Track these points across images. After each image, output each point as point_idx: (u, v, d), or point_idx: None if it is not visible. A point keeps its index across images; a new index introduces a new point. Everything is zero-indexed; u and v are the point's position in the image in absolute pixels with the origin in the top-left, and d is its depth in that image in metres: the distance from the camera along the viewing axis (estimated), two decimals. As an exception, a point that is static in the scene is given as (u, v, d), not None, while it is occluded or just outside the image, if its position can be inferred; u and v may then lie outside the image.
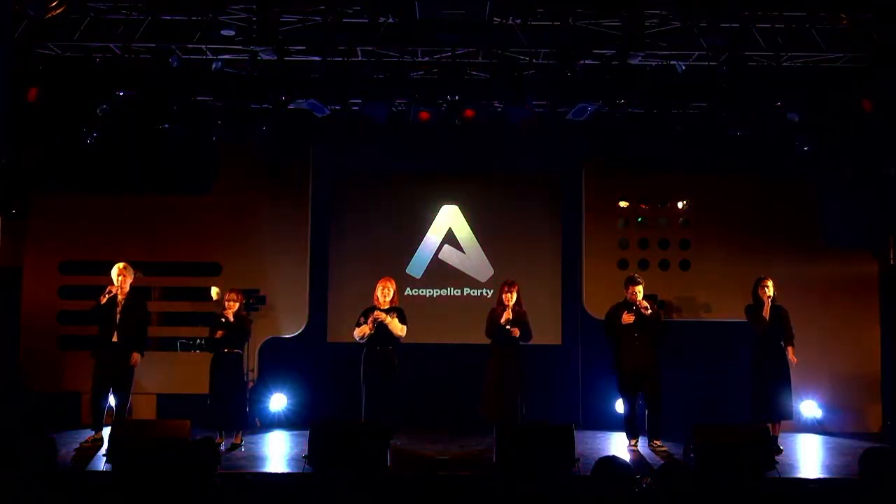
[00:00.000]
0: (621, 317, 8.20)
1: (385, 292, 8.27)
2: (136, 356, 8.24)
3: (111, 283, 8.20)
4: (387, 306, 8.26)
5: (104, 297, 8.09)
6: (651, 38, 7.65)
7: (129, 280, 8.29)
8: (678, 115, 9.02)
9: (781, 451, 7.85)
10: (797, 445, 8.61)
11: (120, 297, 8.19)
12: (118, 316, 8.16)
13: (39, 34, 7.74)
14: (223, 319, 8.14)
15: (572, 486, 6.56)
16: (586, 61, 8.02)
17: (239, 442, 8.13)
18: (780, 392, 8.07)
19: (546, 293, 9.91)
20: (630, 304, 8.23)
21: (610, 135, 9.55)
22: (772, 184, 9.75)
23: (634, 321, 8.13)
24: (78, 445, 8.02)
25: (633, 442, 8.23)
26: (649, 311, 8.11)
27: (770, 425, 7.88)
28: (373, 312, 8.19)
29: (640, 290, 8.21)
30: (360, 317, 8.31)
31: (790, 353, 8.08)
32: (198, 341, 9.58)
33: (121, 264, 8.28)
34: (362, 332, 8.19)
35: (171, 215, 9.77)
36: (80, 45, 7.92)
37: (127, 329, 8.17)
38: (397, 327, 8.18)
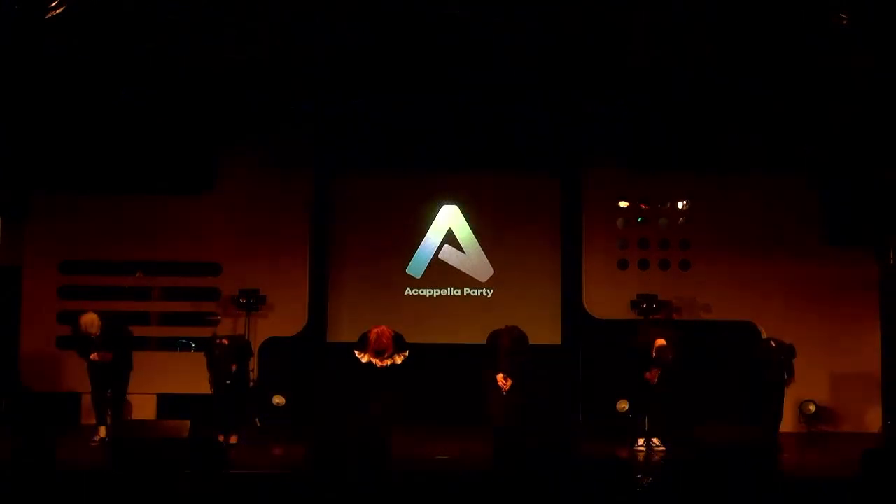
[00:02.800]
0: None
1: (382, 360, 8.14)
2: (108, 355, 8.16)
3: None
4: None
5: (92, 357, 8.12)
6: (653, 34, 7.63)
7: (98, 324, 8.15)
8: (678, 115, 9.03)
9: (783, 451, 7.86)
10: (797, 445, 8.61)
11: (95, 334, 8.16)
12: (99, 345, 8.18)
13: (39, 34, 7.73)
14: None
15: (572, 487, 6.55)
16: (587, 59, 8.02)
17: (235, 441, 8.13)
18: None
19: (546, 293, 9.90)
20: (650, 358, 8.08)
21: (611, 134, 9.56)
22: (772, 183, 9.74)
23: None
24: (88, 444, 8.08)
25: (641, 442, 8.20)
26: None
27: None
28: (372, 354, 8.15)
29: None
30: (359, 342, 8.27)
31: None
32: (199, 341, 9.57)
33: (83, 320, 8.15)
34: (366, 359, 8.19)
35: (171, 215, 9.77)
36: (81, 44, 7.91)
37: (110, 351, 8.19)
38: (400, 360, 8.20)
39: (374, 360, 8.18)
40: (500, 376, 8.04)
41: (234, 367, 8.04)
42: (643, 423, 8.23)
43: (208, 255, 9.75)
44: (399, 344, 8.26)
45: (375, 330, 8.18)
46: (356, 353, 8.28)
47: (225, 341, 8.19)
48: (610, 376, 9.34)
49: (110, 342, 8.18)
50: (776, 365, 8.05)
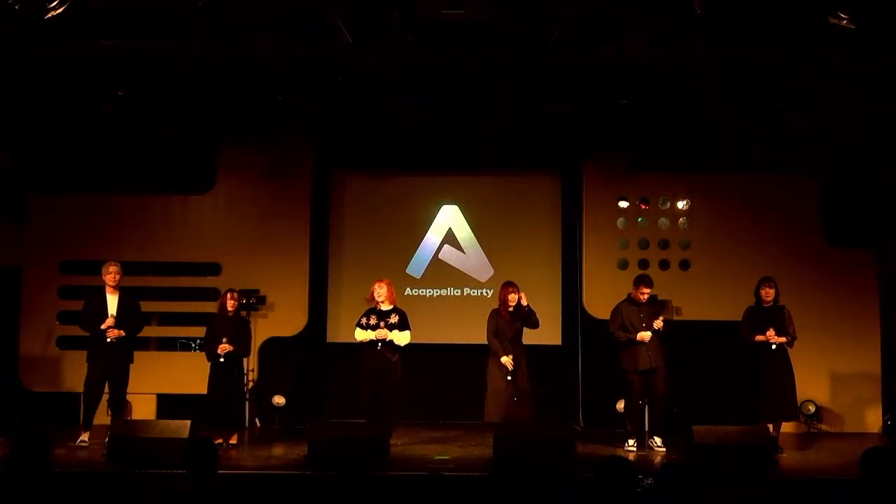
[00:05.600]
0: (630, 317, 8.13)
1: (381, 301, 8.24)
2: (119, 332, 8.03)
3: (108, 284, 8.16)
4: (388, 307, 8.26)
5: (104, 325, 8.00)
6: (652, 35, 7.62)
7: (121, 274, 8.19)
8: (679, 114, 9.03)
9: (783, 451, 7.86)
10: (797, 445, 8.60)
11: (111, 296, 8.12)
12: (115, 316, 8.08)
13: (39, 34, 7.73)
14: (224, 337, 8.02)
15: (572, 487, 6.55)
16: (587, 59, 8.01)
17: (235, 442, 8.13)
18: (786, 391, 8.04)
19: (546, 293, 9.90)
20: (636, 303, 8.19)
21: (610, 134, 9.57)
22: (772, 183, 9.74)
23: (644, 319, 8.09)
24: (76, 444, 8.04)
25: (632, 443, 8.18)
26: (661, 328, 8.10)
27: (771, 425, 7.89)
28: (377, 322, 8.17)
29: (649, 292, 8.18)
30: (361, 317, 8.28)
31: (773, 336, 7.99)
32: (198, 341, 9.57)
33: (114, 266, 8.16)
34: (366, 337, 8.17)
35: (171, 215, 9.77)
36: (81, 44, 7.92)
37: (122, 327, 8.08)
38: (401, 340, 8.21)
39: (376, 336, 8.10)
40: (508, 358, 7.98)
41: (230, 346, 7.96)
42: (636, 422, 8.19)
43: (208, 255, 9.75)
44: (401, 315, 8.26)
45: (375, 282, 8.26)
46: (358, 330, 8.21)
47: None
48: (610, 376, 9.32)
49: (125, 317, 8.11)
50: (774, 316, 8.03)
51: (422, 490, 4.32)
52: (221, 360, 7.97)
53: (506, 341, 8.08)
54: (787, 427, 8.50)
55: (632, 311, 8.17)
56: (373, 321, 8.19)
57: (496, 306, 8.28)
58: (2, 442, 7.51)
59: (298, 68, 8.27)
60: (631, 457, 7.84)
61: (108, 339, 8.00)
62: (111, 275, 8.13)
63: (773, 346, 7.97)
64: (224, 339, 7.94)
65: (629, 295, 8.27)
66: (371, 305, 8.30)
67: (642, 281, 8.21)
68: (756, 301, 8.17)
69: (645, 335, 8.01)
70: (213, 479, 4.38)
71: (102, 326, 7.99)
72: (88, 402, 8.17)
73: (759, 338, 8.01)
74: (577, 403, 9.76)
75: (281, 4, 7.30)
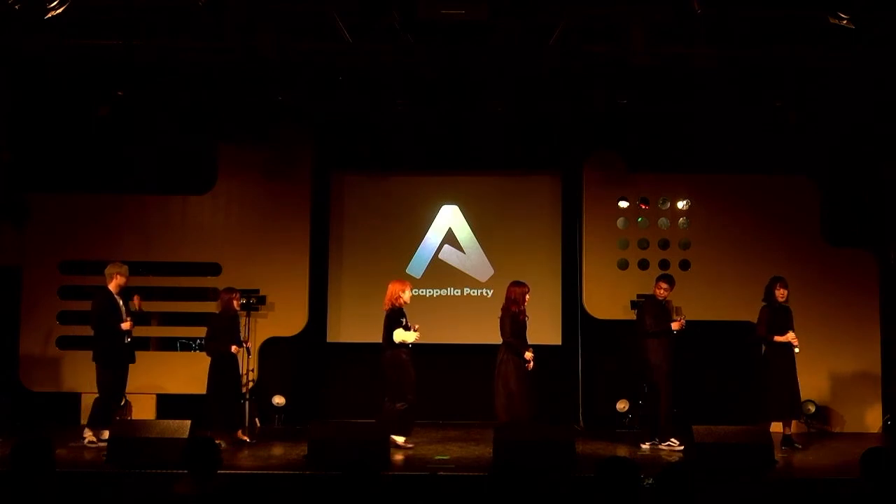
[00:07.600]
0: (661, 315, 8.18)
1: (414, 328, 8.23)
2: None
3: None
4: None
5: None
6: (652, 35, 7.63)
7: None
8: (679, 115, 9.03)
9: (800, 446, 7.89)
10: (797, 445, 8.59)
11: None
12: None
13: (38, 33, 7.74)
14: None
15: (572, 487, 6.56)
16: (587, 59, 8.02)
17: (236, 441, 8.12)
18: (794, 391, 8.07)
19: (546, 293, 9.89)
20: (660, 303, 8.24)
21: (610, 134, 9.57)
22: (772, 183, 9.74)
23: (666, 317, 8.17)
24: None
25: (672, 442, 8.16)
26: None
27: (781, 424, 7.93)
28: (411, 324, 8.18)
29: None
30: (402, 318, 8.12)
31: (795, 338, 8.03)
32: (198, 341, 9.56)
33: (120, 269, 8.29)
34: (415, 338, 8.13)
35: (171, 215, 9.77)
36: (80, 44, 7.92)
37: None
38: None
39: (417, 336, 8.08)
40: (529, 353, 7.98)
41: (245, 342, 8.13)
42: (656, 418, 8.17)
43: (208, 255, 9.74)
44: None
45: (405, 285, 8.27)
46: (401, 331, 8.08)
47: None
48: (610, 376, 9.33)
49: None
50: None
51: (421, 490, 4.32)
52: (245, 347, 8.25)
53: (522, 339, 8.10)
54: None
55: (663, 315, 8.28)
56: (407, 322, 8.17)
57: (505, 305, 8.16)
58: (1, 442, 7.50)
59: (298, 68, 8.27)
60: (642, 456, 7.83)
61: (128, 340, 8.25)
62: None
63: (797, 350, 8.01)
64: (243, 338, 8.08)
65: (654, 295, 8.33)
66: (391, 307, 8.22)
67: (669, 281, 8.38)
68: (770, 301, 8.17)
69: (677, 325, 8.17)
70: (213, 479, 4.38)
71: (124, 327, 8.17)
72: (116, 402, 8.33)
73: (779, 338, 8.03)
74: (577, 403, 9.76)
75: (281, 4, 7.30)
